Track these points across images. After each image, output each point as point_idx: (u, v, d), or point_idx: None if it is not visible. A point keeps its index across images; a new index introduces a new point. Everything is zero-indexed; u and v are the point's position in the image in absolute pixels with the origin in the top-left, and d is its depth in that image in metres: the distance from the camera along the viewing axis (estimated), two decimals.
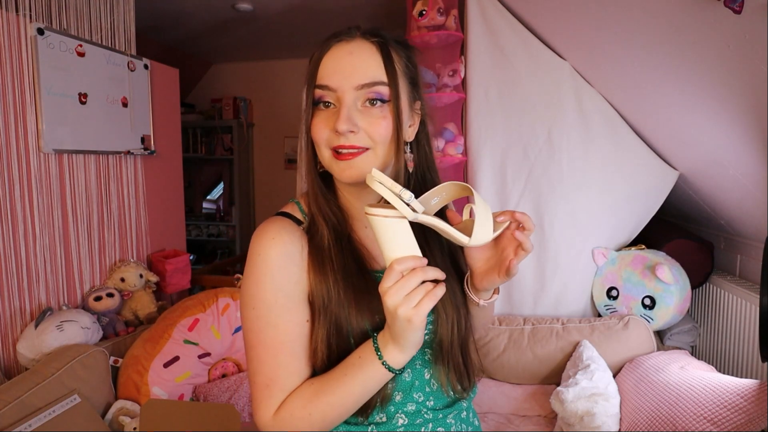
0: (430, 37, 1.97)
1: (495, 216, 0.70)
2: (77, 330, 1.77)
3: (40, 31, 1.78)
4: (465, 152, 2.01)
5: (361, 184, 0.70)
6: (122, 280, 2.12)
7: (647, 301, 1.80)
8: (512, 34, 1.89)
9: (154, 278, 2.25)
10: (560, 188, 1.90)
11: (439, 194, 0.68)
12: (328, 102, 0.70)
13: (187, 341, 1.86)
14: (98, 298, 2.00)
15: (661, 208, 1.93)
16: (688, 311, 1.87)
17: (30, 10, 1.78)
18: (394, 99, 0.70)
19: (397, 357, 0.67)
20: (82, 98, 1.99)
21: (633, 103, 1.78)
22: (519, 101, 1.92)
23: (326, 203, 0.76)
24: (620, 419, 1.51)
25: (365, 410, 0.73)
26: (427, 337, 0.79)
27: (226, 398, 1.80)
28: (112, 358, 1.81)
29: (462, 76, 1.96)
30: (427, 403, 0.77)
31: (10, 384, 1.51)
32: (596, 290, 1.94)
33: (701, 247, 1.89)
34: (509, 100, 1.93)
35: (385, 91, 0.69)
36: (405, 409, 0.76)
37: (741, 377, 1.43)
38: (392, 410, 0.76)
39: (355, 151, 0.69)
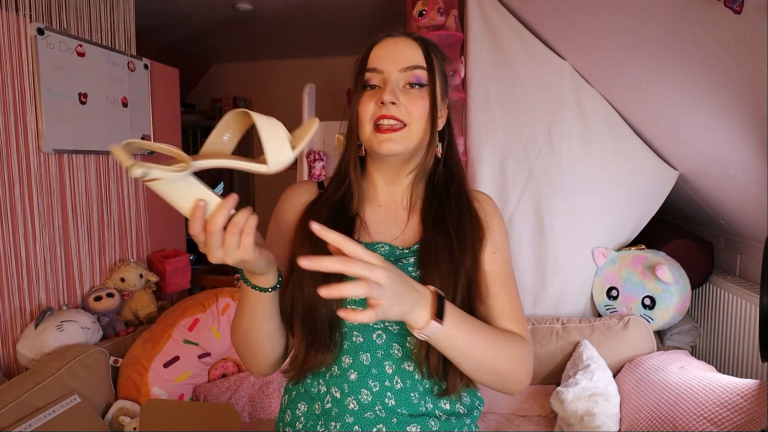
0: (430, 37, 1.94)
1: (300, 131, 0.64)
2: (77, 330, 1.77)
3: (40, 31, 1.78)
4: (465, 152, 2.01)
5: (390, 162, 0.82)
6: (122, 280, 2.12)
7: (647, 301, 1.80)
8: (512, 34, 1.89)
9: (154, 278, 2.24)
10: (560, 188, 1.90)
11: (227, 129, 0.64)
12: (374, 84, 0.79)
13: (187, 341, 1.86)
14: (98, 298, 2.00)
15: (661, 208, 1.93)
16: (688, 311, 1.86)
17: (30, 10, 1.78)
18: (431, 84, 0.79)
19: (260, 280, 0.70)
20: (82, 98, 1.99)
21: (633, 103, 1.78)
22: (519, 101, 1.92)
23: (353, 176, 0.84)
24: (620, 419, 1.51)
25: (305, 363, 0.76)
26: (393, 327, 0.77)
27: (226, 398, 1.80)
28: (112, 358, 1.81)
29: (462, 76, 1.96)
30: (387, 401, 0.74)
31: (10, 384, 1.51)
32: (596, 290, 1.94)
33: (701, 247, 1.89)
34: (509, 100, 1.92)
35: (423, 75, 0.78)
36: (359, 396, 0.74)
37: (741, 377, 1.43)
38: (346, 389, 0.75)
39: (395, 124, 0.76)
